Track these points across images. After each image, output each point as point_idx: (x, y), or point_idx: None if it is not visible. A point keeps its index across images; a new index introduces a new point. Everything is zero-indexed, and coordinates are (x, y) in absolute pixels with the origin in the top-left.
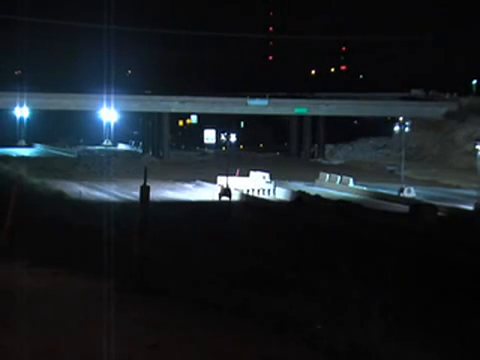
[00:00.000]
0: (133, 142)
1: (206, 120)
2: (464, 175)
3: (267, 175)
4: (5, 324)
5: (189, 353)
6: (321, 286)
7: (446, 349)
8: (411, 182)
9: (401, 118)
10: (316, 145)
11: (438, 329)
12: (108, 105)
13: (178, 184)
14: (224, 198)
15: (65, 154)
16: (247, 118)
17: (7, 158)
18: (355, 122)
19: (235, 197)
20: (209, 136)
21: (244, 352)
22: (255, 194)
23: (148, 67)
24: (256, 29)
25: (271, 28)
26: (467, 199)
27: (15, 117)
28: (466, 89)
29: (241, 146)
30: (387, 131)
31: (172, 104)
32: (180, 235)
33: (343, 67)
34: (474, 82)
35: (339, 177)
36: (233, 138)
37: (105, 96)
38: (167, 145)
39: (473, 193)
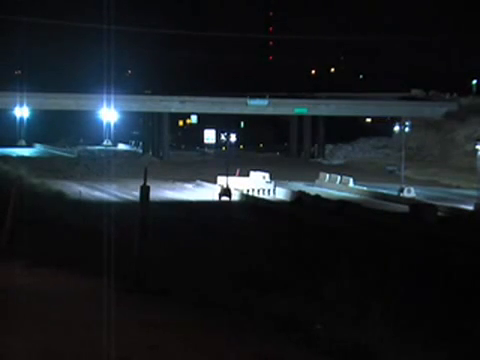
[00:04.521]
0: (133, 142)
1: (206, 120)
2: (464, 175)
3: (267, 175)
4: (5, 324)
5: (189, 353)
6: (321, 286)
7: (446, 349)
8: (411, 182)
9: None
10: (316, 145)
11: (438, 329)
12: (108, 105)
13: (178, 184)
14: (224, 198)
15: (65, 154)
16: (247, 118)
17: (7, 158)
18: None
19: (235, 197)
20: (209, 136)
21: (244, 352)
22: (255, 194)
23: (148, 67)
24: (256, 29)
25: (271, 28)
26: (467, 199)
27: (15, 117)
28: (466, 89)
29: (241, 146)
30: (387, 131)
31: (172, 104)
32: (180, 235)
33: (343, 67)
34: (474, 82)
35: (339, 177)
36: (233, 138)
37: (105, 96)
38: (167, 145)
39: (473, 193)
